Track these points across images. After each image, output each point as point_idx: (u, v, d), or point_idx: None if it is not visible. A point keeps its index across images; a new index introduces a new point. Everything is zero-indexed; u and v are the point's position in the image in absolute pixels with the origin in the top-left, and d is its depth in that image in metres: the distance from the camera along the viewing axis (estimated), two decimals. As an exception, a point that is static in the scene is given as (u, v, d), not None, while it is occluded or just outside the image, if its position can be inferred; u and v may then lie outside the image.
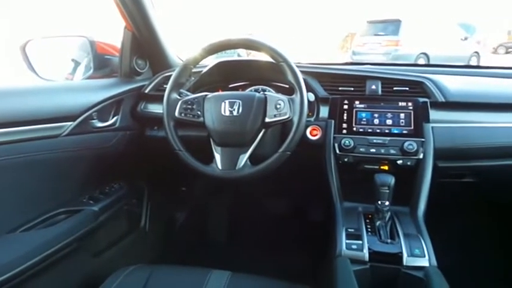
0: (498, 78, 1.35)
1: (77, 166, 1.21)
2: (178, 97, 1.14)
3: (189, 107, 1.11)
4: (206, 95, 1.12)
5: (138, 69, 1.41)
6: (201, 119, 1.10)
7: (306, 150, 1.18)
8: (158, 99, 1.25)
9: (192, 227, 1.83)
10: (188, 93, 1.20)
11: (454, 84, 1.22)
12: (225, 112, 1.07)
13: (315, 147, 1.19)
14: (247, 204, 1.89)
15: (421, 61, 7.82)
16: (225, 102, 1.08)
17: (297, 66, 1.26)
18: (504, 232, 1.59)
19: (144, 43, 1.38)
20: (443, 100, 1.16)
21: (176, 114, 1.11)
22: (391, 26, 8.29)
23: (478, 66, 2.81)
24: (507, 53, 14.94)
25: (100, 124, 1.23)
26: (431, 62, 7.58)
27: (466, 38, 9.17)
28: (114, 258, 1.35)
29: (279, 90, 1.33)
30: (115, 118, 1.30)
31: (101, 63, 1.44)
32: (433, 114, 1.14)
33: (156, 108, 1.36)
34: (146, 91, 1.39)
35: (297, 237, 1.63)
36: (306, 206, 1.80)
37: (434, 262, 0.88)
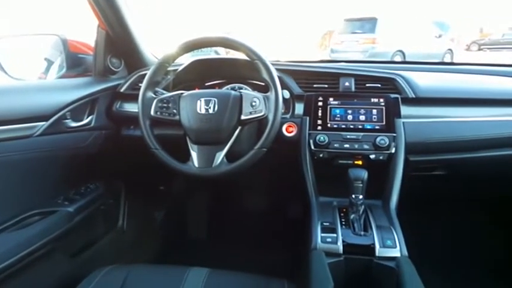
0: (469, 74, 1.41)
1: (51, 167, 1.19)
2: (154, 96, 1.14)
3: (165, 105, 1.11)
4: (182, 93, 1.12)
5: (113, 68, 1.39)
6: (177, 117, 1.10)
7: (282, 147, 1.20)
8: (134, 98, 1.25)
9: (171, 226, 1.83)
10: (164, 92, 1.20)
11: (424, 81, 1.26)
12: (200, 110, 1.08)
13: (290, 144, 1.21)
14: (226, 201, 1.90)
15: (397, 58, 7.99)
16: (200, 100, 1.08)
17: (272, 64, 1.27)
18: (472, 222, 1.65)
19: (118, 41, 1.37)
20: (413, 96, 1.19)
21: (152, 113, 1.11)
22: (368, 24, 8.43)
23: (450, 63, 2.91)
24: (480, 50, 15.40)
25: (74, 124, 1.21)
26: (407, 60, 7.74)
27: (440, 36, 9.42)
28: (91, 259, 1.34)
29: (255, 88, 1.34)
30: (90, 117, 1.28)
31: (75, 62, 1.41)
32: (404, 109, 1.18)
33: (131, 107, 1.35)
34: (121, 90, 1.38)
35: (277, 232, 1.65)
36: (284, 201, 1.82)
37: (405, 252, 0.91)
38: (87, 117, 1.28)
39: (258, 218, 1.80)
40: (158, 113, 1.11)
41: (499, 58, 11.36)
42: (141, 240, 1.66)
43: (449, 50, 9.59)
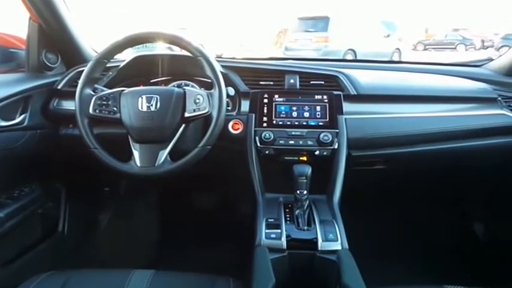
0: (413, 72, 1.47)
1: None
2: (93, 93, 1.09)
3: (104, 103, 1.07)
4: (122, 90, 1.09)
5: (49, 64, 1.31)
6: (118, 115, 1.06)
7: (228, 144, 1.20)
8: (72, 95, 1.18)
9: (118, 228, 1.76)
10: (104, 89, 1.15)
11: (366, 78, 1.30)
12: (142, 108, 1.04)
13: (237, 141, 1.21)
14: (176, 200, 1.86)
15: (349, 57, 8.24)
16: (142, 98, 1.05)
17: (218, 61, 1.27)
18: (411, 214, 1.74)
19: (53, 35, 1.29)
20: (355, 93, 1.23)
21: (90, 110, 1.06)
22: (321, 23, 8.63)
23: (398, 61, 3.03)
24: (425, 49, 16.32)
25: (4, 123, 1.13)
26: (358, 58, 8.01)
27: (388, 35, 9.84)
28: (27, 267, 1.26)
29: (202, 85, 1.32)
30: (22, 116, 1.20)
31: (5, 57, 1.32)
32: (346, 106, 1.21)
33: (70, 105, 1.28)
34: (59, 87, 1.30)
35: (227, 230, 1.64)
36: (235, 199, 1.82)
37: (346, 245, 0.94)
38: (20, 116, 1.19)
39: (209, 216, 1.79)
40: (97, 111, 1.06)
41: (442, 57, 12.11)
42: (83, 244, 1.58)
43: (397, 49, 10.04)
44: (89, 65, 1.08)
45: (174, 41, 1.08)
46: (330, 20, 8.56)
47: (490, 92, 1.31)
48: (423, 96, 1.30)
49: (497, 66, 1.44)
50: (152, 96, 1.05)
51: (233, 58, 1.48)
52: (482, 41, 15.31)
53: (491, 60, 1.50)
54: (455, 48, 15.51)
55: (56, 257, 1.42)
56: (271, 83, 1.28)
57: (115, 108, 1.06)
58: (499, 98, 1.30)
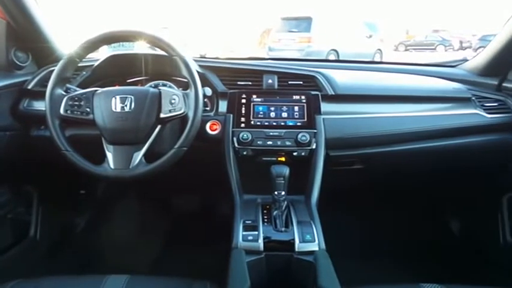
0: (389, 72, 1.48)
1: None
2: (64, 93, 1.06)
3: (77, 103, 1.04)
4: (96, 91, 1.06)
5: (19, 63, 1.26)
6: (91, 116, 1.03)
7: (206, 145, 1.18)
8: (44, 95, 1.15)
9: (95, 232, 1.72)
10: (77, 89, 1.12)
11: (344, 78, 1.30)
12: (116, 108, 1.02)
13: (215, 142, 1.19)
14: (154, 203, 1.83)
15: (332, 57, 8.31)
16: (115, 98, 1.03)
17: (196, 61, 1.25)
18: (389, 214, 1.76)
19: (23, 33, 1.24)
20: (332, 93, 1.23)
21: (61, 111, 1.03)
22: (304, 23, 8.67)
23: (371, 62, 3.06)
24: (406, 50, 16.61)
25: None
26: (341, 58, 8.08)
27: (370, 36, 9.96)
28: None
29: (180, 85, 1.30)
30: None
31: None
32: (324, 106, 1.21)
33: (42, 106, 1.22)
34: (29, 87, 1.26)
35: (206, 232, 1.62)
36: (214, 200, 1.80)
37: (323, 246, 0.93)
38: None
39: (188, 218, 1.77)
40: (69, 112, 1.04)
41: (422, 57, 12.34)
42: (57, 250, 1.54)
43: (379, 50, 10.19)
44: (60, 64, 1.05)
45: (149, 39, 1.06)
46: (313, 21, 8.61)
47: (464, 91, 1.33)
48: (400, 96, 1.31)
49: (471, 67, 1.47)
50: (126, 97, 1.03)
51: (214, 58, 1.46)
52: (461, 42, 15.69)
53: (466, 60, 1.52)
54: (435, 49, 15.87)
55: (27, 264, 1.37)
56: (250, 83, 1.27)
57: (88, 109, 1.04)
58: (473, 98, 1.32)
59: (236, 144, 1.15)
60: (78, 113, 1.03)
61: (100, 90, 1.06)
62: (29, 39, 1.27)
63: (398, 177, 1.52)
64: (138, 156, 1.03)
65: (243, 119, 1.18)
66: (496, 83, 1.38)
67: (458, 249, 1.66)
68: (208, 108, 1.26)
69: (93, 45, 1.06)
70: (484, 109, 1.31)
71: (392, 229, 1.72)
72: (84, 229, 1.70)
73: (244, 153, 1.16)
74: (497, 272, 1.42)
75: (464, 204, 1.69)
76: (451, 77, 1.44)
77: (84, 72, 1.26)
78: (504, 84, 1.37)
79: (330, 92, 1.23)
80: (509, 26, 1.25)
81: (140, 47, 1.32)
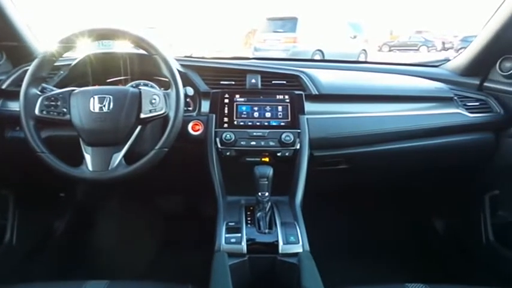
0: (373, 72, 1.49)
1: None
2: (39, 93, 1.03)
3: (53, 103, 1.01)
4: (73, 90, 1.03)
5: None
6: (67, 116, 1.00)
7: (189, 146, 1.17)
8: (19, 95, 1.11)
9: (74, 236, 1.67)
10: (54, 89, 1.08)
11: (328, 78, 1.30)
12: (94, 108, 0.99)
13: (197, 142, 1.17)
14: (137, 205, 1.79)
15: (317, 57, 8.35)
16: (94, 98, 1.00)
17: (177, 60, 1.23)
18: (375, 214, 1.76)
19: None
20: (316, 93, 1.23)
21: (36, 112, 1.00)
22: (289, 24, 8.70)
23: (355, 61, 3.06)
24: (390, 50, 16.84)
25: None
26: (326, 58, 8.13)
27: (355, 37, 10.06)
28: None
29: (162, 85, 1.28)
30: None
31: None
32: (308, 106, 1.20)
33: (17, 106, 1.18)
34: (3, 86, 1.22)
35: (190, 235, 1.60)
36: (198, 202, 1.77)
37: (307, 247, 0.93)
38: None
39: (171, 220, 1.74)
40: (44, 112, 1.00)
41: (406, 58, 12.52)
42: (35, 255, 1.49)
43: (364, 50, 10.30)
44: (34, 62, 1.01)
45: (128, 37, 1.03)
46: (298, 21, 8.65)
47: (446, 91, 1.34)
48: (384, 95, 1.31)
49: (453, 67, 1.48)
50: (105, 97, 1.00)
51: (196, 57, 1.44)
52: (443, 43, 15.98)
53: (449, 60, 1.54)
54: (418, 49, 16.13)
55: (3, 270, 1.32)
56: (233, 82, 1.25)
57: (64, 109, 1.01)
58: (455, 97, 1.33)
59: (219, 145, 1.13)
60: (55, 113, 1.00)
61: (77, 89, 1.03)
62: (3, 38, 1.23)
63: (383, 177, 1.52)
64: (118, 157, 1.00)
65: (226, 119, 1.17)
66: (477, 82, 1.40)
67: (442, 249, 1.67)
68: (190, 108, 1.24)
69: (70, 43, 1.02)
70: (466, 108, 1.32)
71: (377, 229, 1.72)
72: (63, 233, 1.65)
73: (228, 153, 1.14)
74: (481, 271, 1.43)
75: (448, 203, 1.70)
76: (433, 76, 1.46)
77: (61, 72, 1.22)
78: (485, 84, 1.38)
79: (314, 91, 1.23)
80: (488, 27, 1.27)
81: (121, 46, 1.29)
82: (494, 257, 1.37)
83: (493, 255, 1.38)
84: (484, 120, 1.32)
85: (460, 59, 1.45)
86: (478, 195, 1.46)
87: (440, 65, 1.56)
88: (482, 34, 1.30)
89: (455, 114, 1.30)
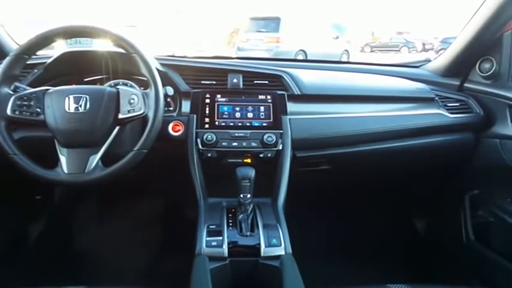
0: (355, 72, 1.49)
1: None
2: (11, 92, 0.98)
3: (26, 103, 0.97)
4: (47, 90, 0.99)
5: None
6: (41, 117, 0.96)
7: (169, 147, 1.14)
8: None
9: (52, 240, 1.62)
10: (27, 88, 1.04)
11: (310, 78, 1.29)
12: (69, 109, 0.96)
13: (178, 143, 1.15)
14: (117, 208, 1.75)
15: (300, 57, 8.39)
16: (69, 98, 0.96)
17: (157, 59, 1.20)
18: (357, 215, 1.77)
19: None
20: (299, 93, 1.21)
21: (8, 112, 0.95)
22: (272, 24, 8.72)
23: (338, 62, 3.08)
24: (372, 51, 17.08)
25: None
26: (309, 59, 8.17)
27: (337, 37, 10.16)
28: None
29: (142, 84, 1.25)
30: None
31: None
32: (291, 106, 1.19)
33: None
34: None
35: (172, 237, 1.57)
36: (180, 204, 1.74)
37: (289, 250, 0.92)
38: None
39: (153, 222, 1.70)
40: (17, 113, 0.96)
41: (387, 59, 12.71)
42: (9, 261, 1.43)
43: (346, 50, 10.40)
44: (6, 60, 0.97)
45: (105, 35, 0.99)
46: (281, 21, 8.67)
47: (427, 92, 1.35)
48: (366, 96, 1.31)
49: (434, 67, 1.50)
50: (81, 96, 0.97)
51: (177, 56, 1.41)
52: (424, 44, 16.30)
53: (429, 61, 1.55)
54: (399, 50, 16.42)
55: None
56: (214, 82, 1.23)
57: (38, 110, 0.97)
58: (436, 98, 1.34)
59: (200, 146, 1.11)
60: (28, 113, 0.96)
61: (52, 89, 0.99)
62: None
63: (364, 177, 1.53)
64: (95, 159, 0.97)
65: (207, 120, 1.14)
66: (457, 83, 1.41)
67: (423, 249, 1.69)
68: (171, 109, 1.21)
69: (43, 40, 0.98)
70: (447, 109, 1.34)
71: (358, 230, 1.73)
72: (39, 237, 1.59)
73: (209, 155, 1.12)
74: (462, 271, 1.45)
75: (429, 203, 1.72)
76: (414, 77, 1.47)
77: (35, 70, 1.18)
78: (465, 85, 1.40)
79: (296, 91, 1.22)
80: (468, 29, 1.28)
81: (100, 44, 1.25)
82: (475, 257, 1.39)
83: (473, 254, 1.40)
84: (464, 120, 1.33)
85: (441, 60, 1.46)
86: (458, 195, 1.48)
87: (421, 65, 1.57)
88: (461, 36, 1.32)
89: (436, 114, 1.32)
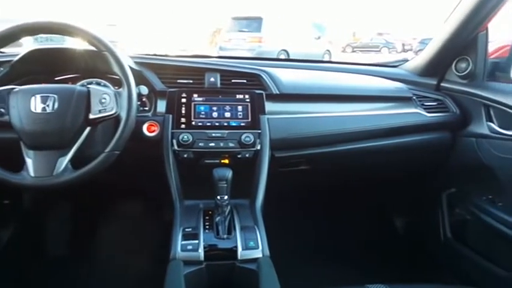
0: (335, 72, 1.48)
1: None
2: None
3: None
4: (12, 89, 0.94)
5: None
6: (6, 117, 0.92)
7: (144, 148, 1.10)
8: None
9: (22, 245, 1.55)
10: None
11: (289, 77, 1.27)
12: (36, 109, 0.91)
13: (153, 144, 1.11)
14: (90, 211, 1.69)
15: (282, 57, 8.41)
16: (36, 97, 0.92)
17: (132, 57, 1.16)
18: (336, 215, 1.77)
19: None
20: (277, 92, 1.20)
21: None
22: (254, 23, 8.73)
23: (318, 61, 3.06)
24: (353, 51, 17.31)
25: None
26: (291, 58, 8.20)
27: (319, 37, 10.24)
28: None
29: (116, 83, 1.20)
30: None
31: None
32: (269, 106, 1.17)
33: None
34: None
35: (147, 241, 1.53)
36: (155, 206, 1.70)
37: (267, 252, 0.90)
38: None
39: (127, 225, 1.66)
40: None
41: (368, 59, 12.90)
42: None
43: (328, 50, 10.50)
44: None
45: (74, 31, 0.95)
46: (263, 21, 8.69)
47: (405, 91, 1.36)
48: (344, 95, 1.30)
49: (412, 67, 1.50)
50: (48, 96, 0.92)
51: (152, 55, 1.37)
52: (403, 45, 16.64)
53: (407, 61, 1.56)
54: (379, 50, 16.72)
55: None
56: (191, 81, 1.20)
57: (2, 110, 0.92)
58: (414, 97, 1.35)
59: (176, 147, 1.08)
60: None
61: (17, 88, 0.94)
62: None
63: (343, 177, 1.52)
64: (64, 161, 0.93)
65: (183, 120, 1.11)
66: (435, 82, 1.42)
67: (403, 248, 1.70)
68: (146, 108, 1.17)
69: (7, 38, 0.93)
70: (424, 108, 1.34)
71: (338, 230, 1.72)
72: (9, 242, 1.53)
73: (185, 155, 1.09)
74: (440, 269, 1.46)
75: (407, 202, 1.73)
76: (393, 76, 1.47)
77: (1, 69, 1.12)
78: (442, 84, 1.41)
79: (275, 91, 1.20)
80: (444, 29, 1.29)
81: (72, 42, 1.20)
82: (452, 255, 1.41)
83: (451, 253, 1.41)
84: (441, 119, 1.34)
85: (418, 59, 1.47)
86: (435, 194, 1.49)
87: (400, 65, 1.58)
88: (438, 36, 1.33)
89: (413, 113, 1.32)
